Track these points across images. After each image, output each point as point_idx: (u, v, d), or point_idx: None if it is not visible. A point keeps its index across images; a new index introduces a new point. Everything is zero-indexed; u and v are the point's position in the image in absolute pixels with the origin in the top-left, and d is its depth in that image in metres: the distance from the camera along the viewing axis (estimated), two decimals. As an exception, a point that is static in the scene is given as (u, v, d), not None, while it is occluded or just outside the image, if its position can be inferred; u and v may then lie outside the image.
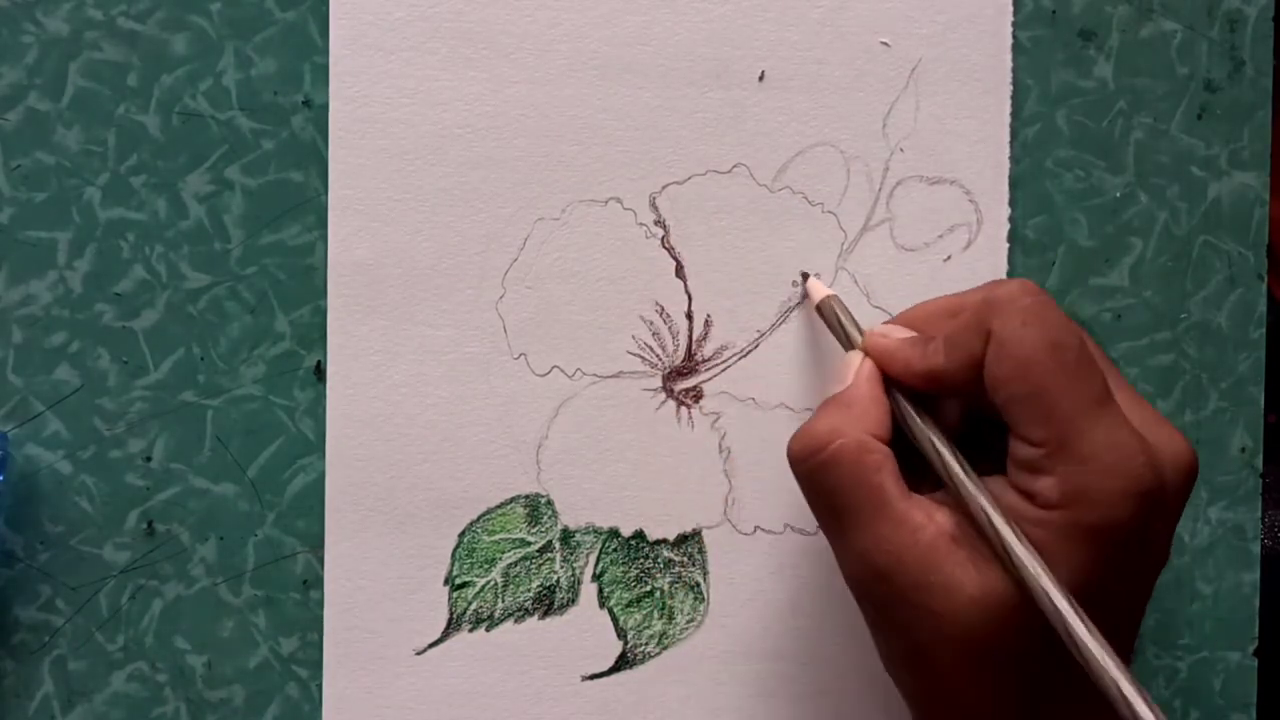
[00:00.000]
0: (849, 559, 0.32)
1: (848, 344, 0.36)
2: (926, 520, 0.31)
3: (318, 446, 0.39)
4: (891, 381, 0.34)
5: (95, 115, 0.38)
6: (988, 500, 0.30)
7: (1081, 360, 0.30)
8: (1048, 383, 0.30)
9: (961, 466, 0.31)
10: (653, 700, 0.39)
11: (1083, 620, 0.28)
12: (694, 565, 0.39)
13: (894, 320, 0.36)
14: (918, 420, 0.33)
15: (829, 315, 0.37)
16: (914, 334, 0.34)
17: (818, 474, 0.32)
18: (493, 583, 0.39)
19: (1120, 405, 0.30)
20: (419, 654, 0.39)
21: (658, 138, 0.39)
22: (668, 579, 0.39)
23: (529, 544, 0.39)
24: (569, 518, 0.39)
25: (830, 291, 0.38)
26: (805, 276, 0.39)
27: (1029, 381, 0.30)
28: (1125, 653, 0.29)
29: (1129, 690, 0.27)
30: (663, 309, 0.39)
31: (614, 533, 0.39)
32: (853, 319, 0.36)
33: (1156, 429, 0.31)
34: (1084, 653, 0.28)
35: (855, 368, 0.34)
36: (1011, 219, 0.40)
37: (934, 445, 0.32)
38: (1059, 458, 0.29)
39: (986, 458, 0.32)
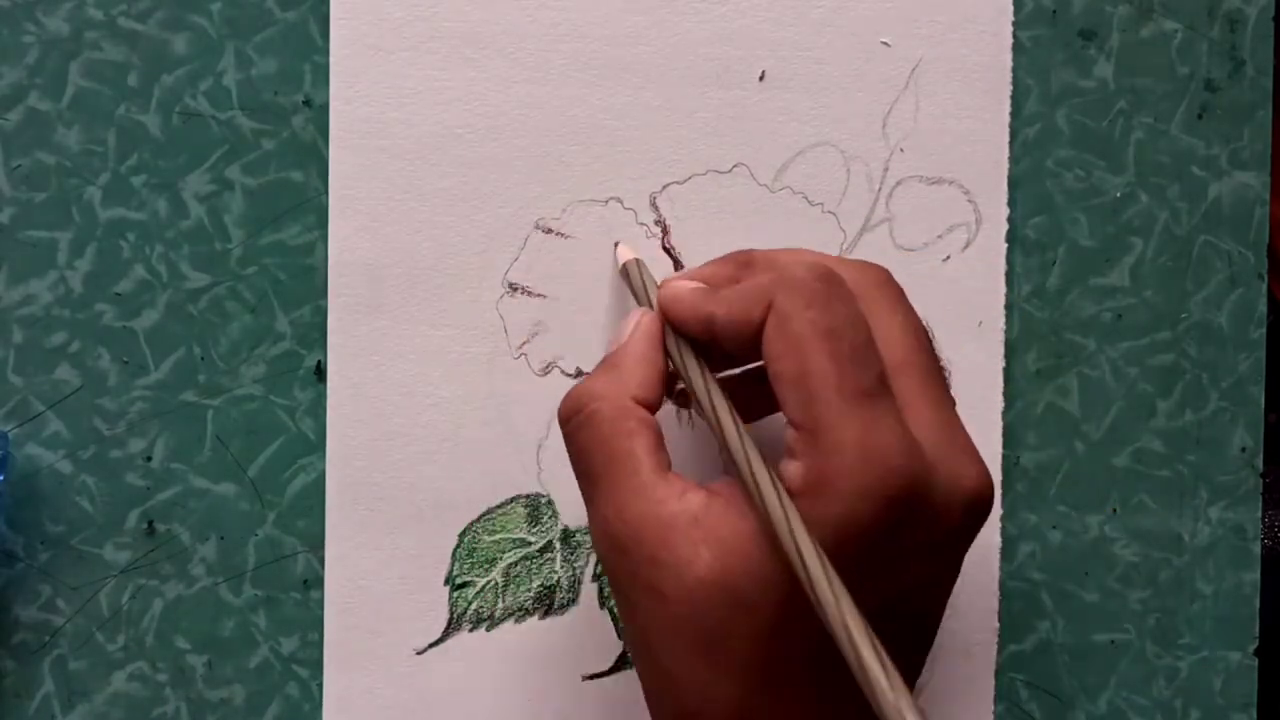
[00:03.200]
0: (594, 526, 0.31)
1: (645, 301, 0.34)
2: (671, 496, 0.29)
3: (318, 446, 0.39)
4: (673, 338, 0.32)
5: (95, 115, 0.38)
6: (750, 446, 0.29)
7: (857, 352, 0.29)
8: (814, 366, 0.28)
9: (736, 427, 0.30)
10: (653, 700, 0.39)
11: (827, 571, 0.27)
12: (694, 565, 0.39)
13: (691, 274, 0.34)
14: (695, 379, 0.32)
15: (633, 278, 0.36)
16: (703, 285, 0.33)
17: (575, 435, 0.31)
18: (493, 583, 0.39)
19: (914, 420, 0.29)
20: (419, 654, 0.39)
21: (658, 138, 0.39)
22: (668, 579, 0.39)
23: (529, 544, 0.39)
24: (569, 517, 0.39)
25: (636, 255, 0.36)
26: (616, 244, 0.38)
27: (798, 361, 0.28)
28: (902, 671, 0.27)
29: (868, 657, 0.26)
30: (663, 309, 0.39)
31: (614, 533, 0.39)
32: (654, 283, 0.35)
33: (952, 453, 0.29)
34: (819, 594, 0.26)
35: (633, 323, 0.33)
36: (1011, 219, 0.40)
37: (703, 386, 0.31)
38: (809, 444, 0.28)
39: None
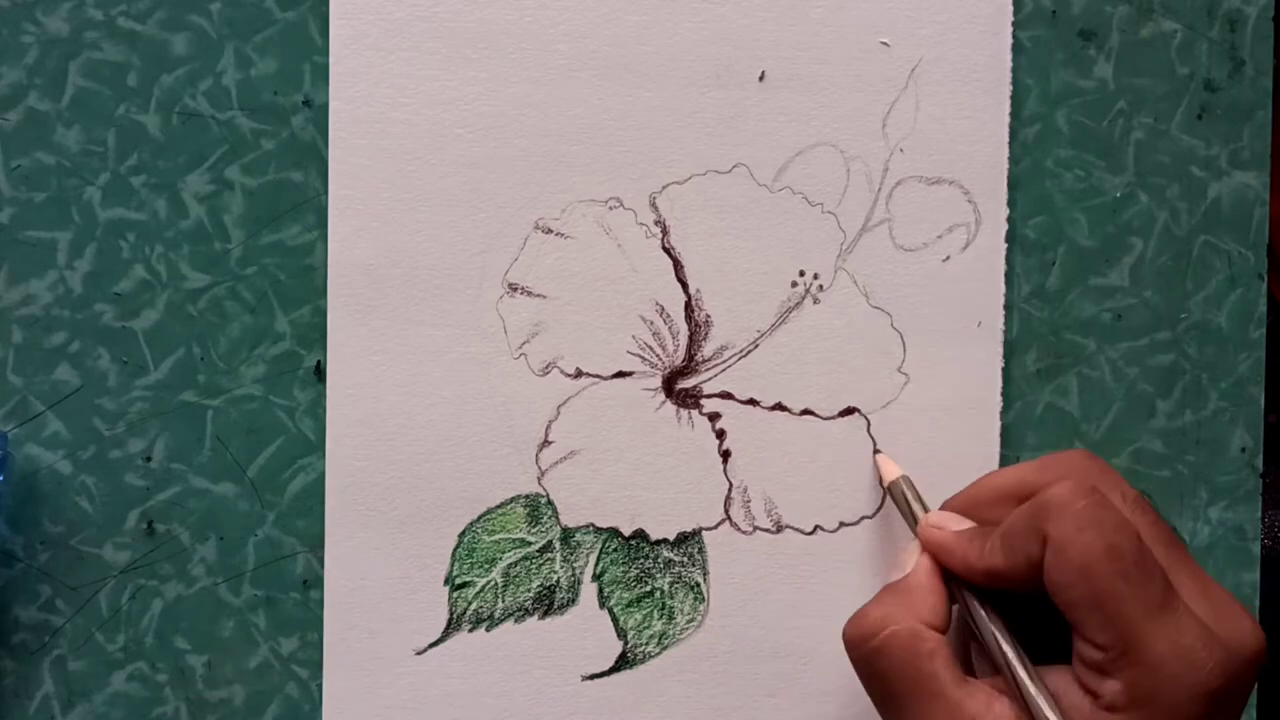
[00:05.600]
0: None
1: (914, 525, 0.36)
2: (984, 710, 0.31)
3: (318, 446, 0.39)
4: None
5: (95, 115, 0.38)
6: (1048, 705, 0.31)
7: (1140, 562, 0.30)
8: (1108, 588, 0.30)
9: (1024, 665, 0.32)
10: (653, 700, 0.39)
11: None
12: (694, 565, 0.39)
13: (949, 504, 0.36)
14: (981, 614, 0.33)
15: (898, 497, 0.37)
16: (970, 525, 0.34)
17: (870, 660, 0.33)
18: (493, 583, 0.39)
19: (1185, 596, 0.31)
20: (419, 654, 0.39)
21: (658, 138, 0.39)
22: (668, 579, 0.39)
23: (529, 544, 0.39)
24: (569, 518, 0.39)
25: (901, 472, 0.38)
26: (876, 452, 0.39)
27: (1089, 587, 0.30)
28: None
29: None
30: (663, 309, 0.39)
31: (614, 533, 0.39)
32: (920, 500, 0.37)
33: (1223, 615, 0.31)
34: None
35: (914, 557, 0.35)
36: (1011, 219, 0.40)
37: (996, 640, 0.32)
38: (1124, 662, 0.30)
39: (1054, 643, 0.32)
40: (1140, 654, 0.30)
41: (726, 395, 0.39)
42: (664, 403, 0.39)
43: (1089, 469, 0.34)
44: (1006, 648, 0.32)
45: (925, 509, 0.36)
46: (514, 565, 0.39)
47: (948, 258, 0.40)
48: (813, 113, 0.39)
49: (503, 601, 0.39)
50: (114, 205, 0.38)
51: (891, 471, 0.38)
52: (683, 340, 0.39)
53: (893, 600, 0.33)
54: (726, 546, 0.39)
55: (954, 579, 0.34)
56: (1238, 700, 0.31)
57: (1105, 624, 0.30)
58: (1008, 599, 0.33)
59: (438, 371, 0.39)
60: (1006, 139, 0.40)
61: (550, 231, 0.39)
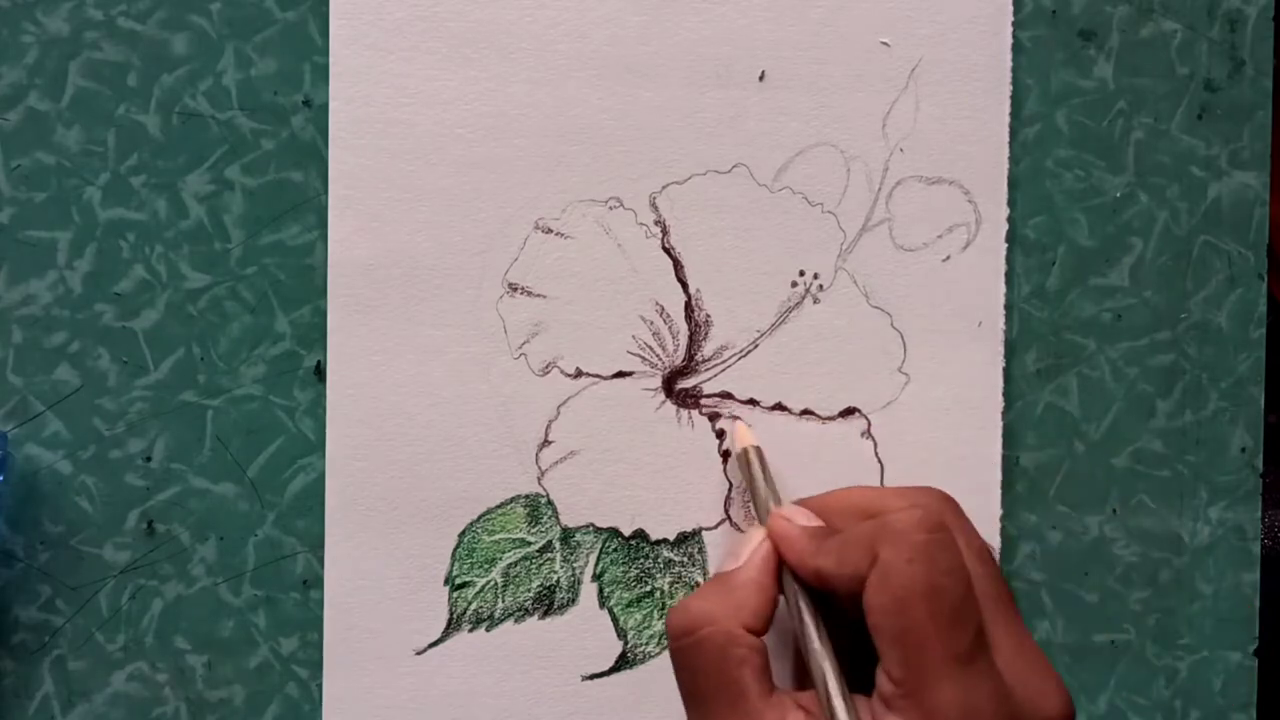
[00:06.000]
0: None
1: (763, 513, 0.36)
2: None
3: (318, 446, 0.39)
4: (787, 569, 0.34)
5: (95, 115, 0.38)
6: (849, 707, 0.30)
7: (958, 610, 0.30)
8: (916, 626, 0.29)
9: (836, 677, 0.31)
10: (653, 700, 0.39)
11: None
12: (694, 565, 0.39)
13: (807, 502, 0.36)
14: (808, 623, 0.33)
15: (749, 467, 0.37)
16: (818, 524, 0.34)
17: (683, 654, 0.33)
18: (493, 583, 0.39)
19: (999, 655, 0.30)
20: (419, 654, 0.39)
21: (658, 138, 0.39)
22: (668, 579, 0.39)
23: (529, 544, 0.39)
24: (569, 518, 0.39)
25: (753, 442, 0.37)
26: (736, 420, 0.39)
27: (900, 620, 0.30)
28: None
29: None
30: (663, 309, 0.39)
31: (614, 533, 0.39)
32: (770, 482, 0.36)
33: (1034, 681, 0.31)
34: None
35: (751, 547, 0.34)
36: (1011, 219, 0.40)
37: (813, 649, 0.32)
38: (908, 703, 0.29)
39: (866, 673, 0.32)
40: (925, 698, 0.29)
41: (726, 395, 0.39)
42: (664, 403, 0.39)
43: (944, 509, 0.33)
44: (823, 660, 0.32)
45: (774, 492, 0.36)
46: (514, 565, 0.39)
47: (948, 257, 0.40)
48: (813, 113, 0.39)
49: (503, 601, 0.39)
50: (114, 205, 0.38)
51: (745, 439, 0.37)
52: (683, 340, 0.39)
53: (717, 596, 0.33)
54: (726, 547, 0.39)
55: (788, 579, 0.34)
56: None
57: (903, 659, 0.30)
58: (835, 620, 0.33)
59: (438, 371, 0.39)
60: (1006, 139, 0.40)
61: (550, 231, 0.39)
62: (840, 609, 0.33)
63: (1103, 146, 0.40)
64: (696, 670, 0.32)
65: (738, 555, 0.34)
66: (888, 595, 0.30)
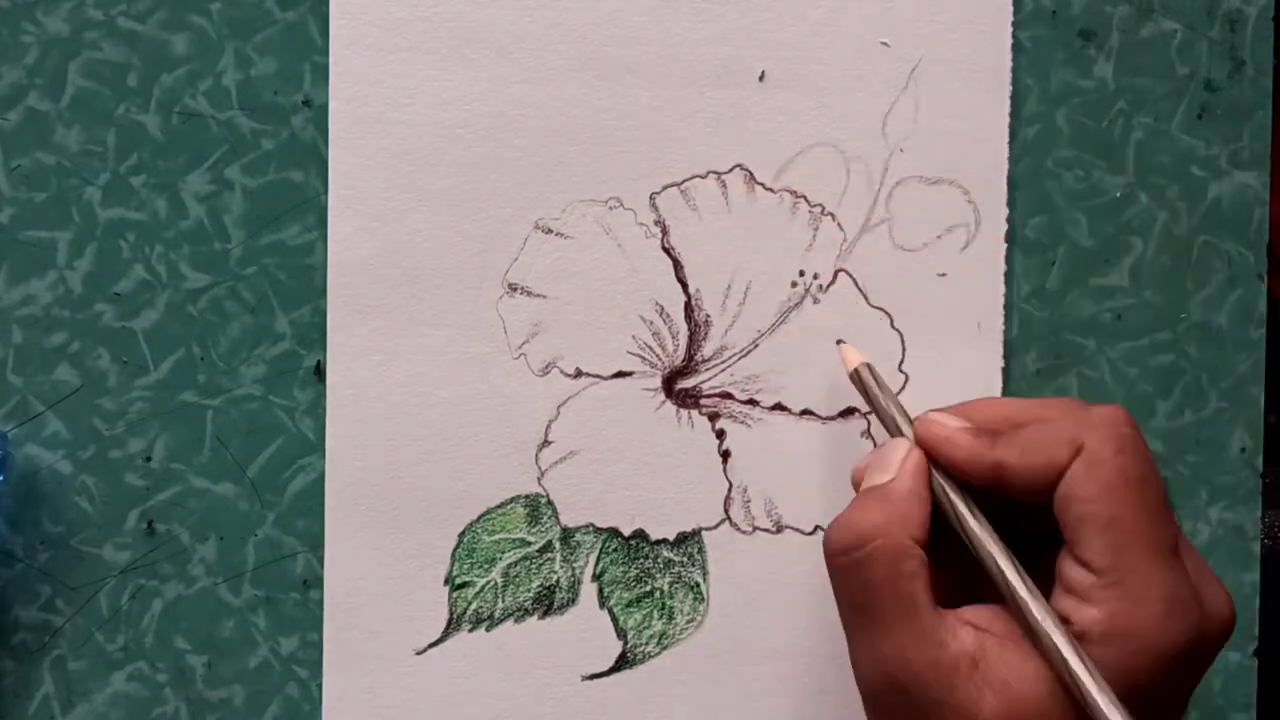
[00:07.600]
0: (868, 662, 0.31)
1: (893, 425, 0.35)
2: (951, 638, 0.30)
3: (318, 446, 0.39)
4: (942, 476, 0.33)
5: (95, 115, 0.38)
6: (1051, 618, 0.30)
7: (1164, 504, 0.30)
8: (1128, 515, 0.29)
9: (1021, 578, 0.31)
10: (653, 700, 0.39)
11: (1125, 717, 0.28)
12: (694, 565, 0.39)
13: (953, 411, 0.35)
14: (973, 524, 0.32)
15: (870, 387, 0.36)
16: (967, 424, 0.33)
17: (851, 570, 0.32)
18: (493, 583, 0.39)
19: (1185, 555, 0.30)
20: (419, 654, 0.39)
21: (658, 138, 0.39)
22: (668, 579, 0.39)
23: (529, 544, 0.39)
24: (569, 518, 0.39)
25: (862, 359, 0.36)
26: (839, 343, 0.39)
27: (1109, 507, 0.30)
28: None
29: None
30: (663, 309, 0.39)
31: (614, 533, 0.39)
32: (894, 395, 0.35)
33: (1206, 585, 0.31)
34: None
35: (900, 459, 0.33)
36: (1010, 219, 0.40)
37: (992, 555, 0.31)
38: (1113, 592, 0.29)
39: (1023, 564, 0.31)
40: (1133, 587, 0.29)
41: (726, 395, 0.39)
42: (664, 403, 0.39)
43: (1130, 418, 0.33)
44: (1005, 558, 0.31)
45: (903, 410, 0.35)
46: (514, 565, 0.39)
47: (947, 258, 0.40)
48: (813, 113, 0.39)
49: (503, 601, 0.39)
50: (114, 205, 0.38)
51: (853, 358, 0.36)
52: (683, 340, 0.39)
53: (879, 508, 0.32)
54: (726, 547, 0.39)
55: (945, 486, 0.33)
56: (1202, 665, 0.31)
57: (1110, 547, 0.29)
58: (954, 539, 0.32)
59: (438, 371, 0.39)
60: (1006, 139, 0.40)
61: (550, 231, 0.39)
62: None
63: (1103, 146, 0.40)
64: (868, 585, 0.31)
65: (886, 467, 0.33)
66: (1097, 484, 0.30)
